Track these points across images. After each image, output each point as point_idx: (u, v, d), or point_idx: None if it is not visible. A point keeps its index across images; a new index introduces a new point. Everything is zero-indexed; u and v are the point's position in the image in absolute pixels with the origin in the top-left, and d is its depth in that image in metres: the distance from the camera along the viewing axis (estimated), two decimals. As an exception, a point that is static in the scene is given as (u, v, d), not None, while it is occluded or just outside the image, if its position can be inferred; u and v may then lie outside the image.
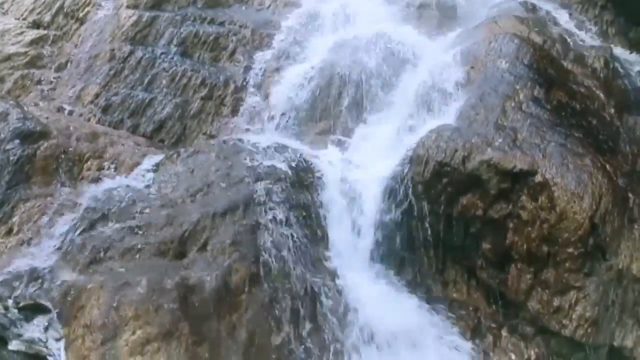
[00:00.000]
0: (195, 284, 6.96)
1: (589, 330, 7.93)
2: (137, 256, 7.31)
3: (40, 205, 8.45)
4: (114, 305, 6.75)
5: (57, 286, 7.17)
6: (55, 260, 7.52)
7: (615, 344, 8.11)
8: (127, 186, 8.34)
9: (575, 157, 8.31)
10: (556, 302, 7.97)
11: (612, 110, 9.28)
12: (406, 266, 8.28)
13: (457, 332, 7.63)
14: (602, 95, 9.33)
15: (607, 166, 8.51)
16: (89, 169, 8.96)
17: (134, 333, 6.59)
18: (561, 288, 7.98)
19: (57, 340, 6.84)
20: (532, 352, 7.85)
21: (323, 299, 7.27)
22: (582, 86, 9.39)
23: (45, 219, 8.19)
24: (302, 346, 6.91)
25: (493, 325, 7.96)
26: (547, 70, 9.38)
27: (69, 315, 6.81)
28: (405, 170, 8.43)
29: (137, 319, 6.65)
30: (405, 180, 8.39)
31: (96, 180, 8.75)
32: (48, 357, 6.62)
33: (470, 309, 8.06)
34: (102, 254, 7.41)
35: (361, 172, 8.58)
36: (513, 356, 7.75)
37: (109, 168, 8.92)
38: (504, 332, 7.95)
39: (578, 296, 7.98)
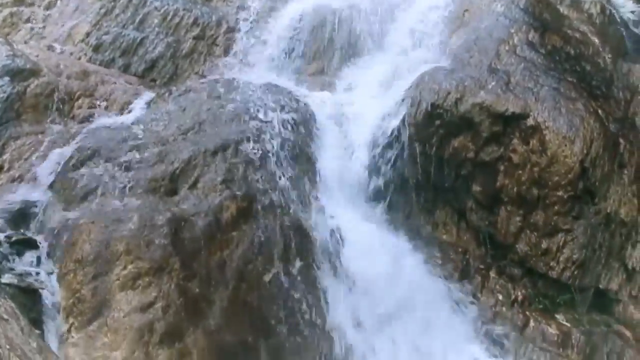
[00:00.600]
0: (186, 221, 6.98)
1: (575, 272, 8.04)
2: (128, 193, 7.30)
3: (31, 143, 8.41)
4: (105, 240, 6.77)
5: (48, 222, 7.17)
6: (46, 197, 7.50)
7: (601, 286, 8.23)
8: (119, 124, 8.29)
9: (567, 101, 8.30)
10: (544, 244, 8.05)
11: (607, 56, 9.22)
12: (396, 207, 8.32)
13: (445, 273, 7.68)
14: (597, 41, 9.26)
15: (600, 111, 8.52)
16: (79, 107, 8.90)
17: (125, 268, 6.63)
18: (550, 231, 8.06)
19: (49, 274, 6.88)
20: (519, 293, 7.95)
21: (313, 237, 7.31)
22: (577, 31, 9.32)
23: (36, 156, 8.14)
24: (292, 283, 6.97)
25: (481, 266, 8.05)
26: (543, 15, 9.30)
27: (60, 250, 6.83)
28: (398, 112, 8.42)
29: (129, 254, 6.68)
30: (398, 122, 8.39)
31: (87, 118, 8.69)
32: (40, 290, 6.65)
33: (459, 250, 8.14)
34: (93, 191, 7.39)
35: (353, 113, 8.56)
36: (500, 297, 7.85)
37: (99, 106, 8.86)
38: (492, 274, 8.04)
39: (566, 239, 8.06)
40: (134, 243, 6.74)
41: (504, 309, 7.76)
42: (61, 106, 8.85)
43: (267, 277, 6.90)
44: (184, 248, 6.80)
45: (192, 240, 6.88)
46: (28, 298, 6.58)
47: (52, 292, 6.70)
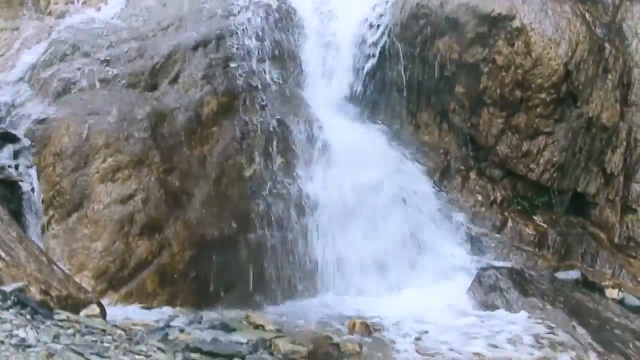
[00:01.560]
0: (166, 115, 6.93)
1: (554, 174, 8.10)
2: (107, 87, 7.20)
3: (7, 39, 8.25)
4: (84, 133, 6.71)
5: (27, 116, 7.07)
6: (24, 92, 7.38)
7: (579, 189, 8.31)
8: (97, 19, 8.10)
9: (554, 3, 8.19)
10: (525, 146, 8.08)
11: (596, -40, 9.06)
12: (379, 108, 8.28)
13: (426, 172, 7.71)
14: (586, -56, 9.09)
15: (587, 15, 8.42)
16: (56, 3, 8.69)
17: (104, 161, 6.60)
18: (531, 133, 8.07)
19: (28, 167, 6.83)
20: (499, 194, 8.02)
21: (295, 134, 7.28)
22: None
23: (12, 52, 7.97)
24: (273, 179, 6.97)
25: (462, 167, 8.09)
26: None
27: (39, 143, 6.76)
28: (383, 12, 8.28)
29: (108, 147, 6.64)
30: (382, 22, 8.26)
31: (64, 14, 8.48)
32: (19, 182, 6.61)
33: (441, 151, 8.15)
34: (71, 86, 7.28)
35: (337, 10, 8.39)
36: (480, 197, 7.91)
37: (77, 2, 8.64)
38: (472, 175, 8.08)
39: (547, 141, 8.09)
40: (114, 136, 6.70)
41: (483, 209, 7.84)
42: (37, 1, 8.63)
43: (247, 173, 6.89)
44: (164, 142, 6.76)
45: (172, 135, 6.84)
46: (7, 190, 6.55)
47: (32, 185, 6.66)
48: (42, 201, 6.50)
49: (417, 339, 5.73)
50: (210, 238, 6.47)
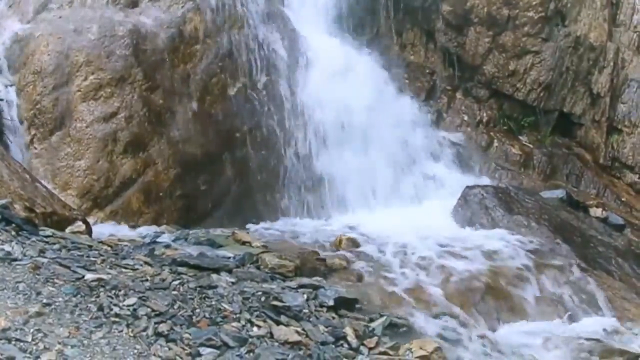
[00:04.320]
0: (149, 32, 6.76)
1: (541, 94, 8.07)
2: (87, 4, 7.00)
3: (-19, -45, 7.95)
4: (64, 51, 6.55)
5: (4, 35, 6.89)
6: (0, 10, 7.17)
7: (565, 109, 8.30)
8: None
9: None
10: (512, 66, 8.02)
11: None
12: (365, 28, 8.14)
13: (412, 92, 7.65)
14: None
15: None
16: None
17: (86, 79, 6.47)
18: (518, 52, 8.00)
19: (8, 86, 6.69)
20: (485, 114, 7.99)
21: (279, 52, 7.16)
22: None
23: (-14, -32, 7.70)
24: (258, 97, 6.89)
25: (448, 87, 8.03)
26: None
27: (18, 61, 6.61)
28: None
29: (89, 64, 6.50)
30: None
31: None
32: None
33: (427, 71, 8.08)
34: (49, 3, 7.07)
35: None
36: (466, 117, 7.89)
37: None
38: (458, 95, 8.04)
39: (534, 61, 8.02)
40: (95, 54, 6.55)
41: (469, 129, 7.83)
42: None
43: (231, 91, 6.79)
44: (146, 59, 6.62)
45: (155, 52, 6.70)
46: (-13, 108, 6.44)
47: (12, 104, 6.54)
48: (24, 120, 6.38)
49: (403, 253, 5.76)
50: (195, 156, 6.42)
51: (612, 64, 8.42)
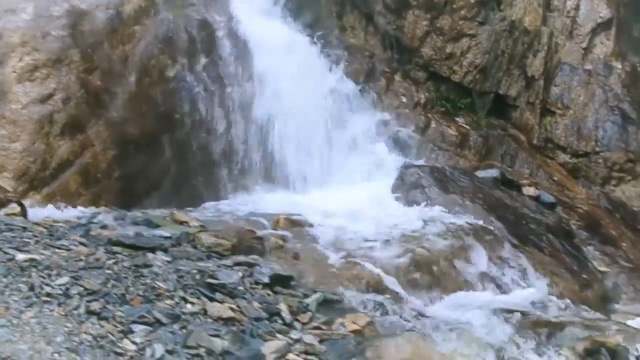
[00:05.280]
0: (86, 13, 6.69)
1: (477, 77, 8.25)
2: (21, -17, 6.89)
3: None
4: (-1, 32, 6.44)
5: None
6: None
7: (500, 92, 8.50)
8: None
9: None
10: (449, 48, 8.17)
11: None
12: (305, 10, 8.17)
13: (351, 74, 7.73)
14: None
15: None
16: None
17: (21, 60, 6.37)
18: (455, 35, 8.16)
19: (-60, 67, 6.56)
20: (423, 96, 8.14)
21: (219, 34, 7.17)
22: None
23: None
24: (197, 78, 6.89)
25: (387, 70, 8.14)
26: None
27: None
28: None
29: (24, 45, 6.40)
30: None
31: None
32: None
33: (366, 54, 8.18)
34: (-18, -18, 6.94)
35: None
36: (404, 99, 8.01)
37: None
38: (397, 77, 8.16)
39: (470, 44, 8.19)
40: (30, 34, 6.45)
41: (406, 110, 7.95)
42: None
43: (170, 72, 6.78)
44: (84, 40, 6.56)
45: (93, 33, 6.63)
46: None
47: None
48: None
49: (340, 232, 5.87)
50: (133, 138, 6.39)
51: (546, 48, 8.65)
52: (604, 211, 7.94)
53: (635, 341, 5.34)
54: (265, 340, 4.08)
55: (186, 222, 5.54)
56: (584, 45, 8.88)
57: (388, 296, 5.00)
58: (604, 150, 8.39)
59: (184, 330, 3.93)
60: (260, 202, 6.49)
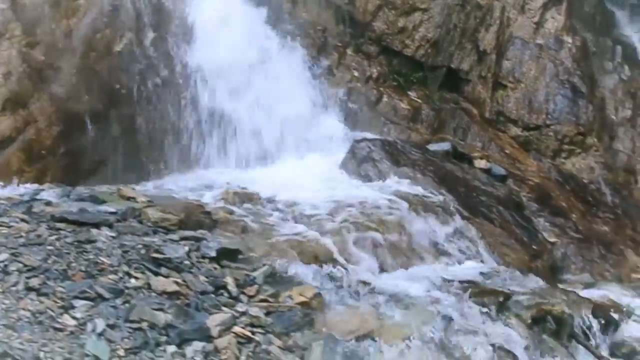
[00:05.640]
0: (27, -14, 6.52)
1: (429, 51, 8.24)
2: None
3: None
4: None
5: None
6: None
7: (453, 66, 8.51)
8: None
9: None
10: (401, 22, 8.15)
11: None
12: (255, -17, 8.07)
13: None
14: None
15: None
16: None
17: (-44, 35, 6.20)
18: (407, 9, 8.14)
19: None
20: (375, 70, 8.11)
21: (167, 8, 7.04)
22: None
23: None
24: (145, 54, 6.77)
25: (339, 44, 8.09)
26: None
27: None
28: None
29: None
30: None
31: None
32: None
33: (318, 28, 8.10)
34: None
35: None
36: (356, 73, 7.98)
37: None
38: (349, 51, 8.11)
39: (422, 18, 8.18)
40: (-33, 7, 6.27)
41: (359, 84, 7.92)
42: None
43: (117, 47, 6.64)
44: (25, 14, 6.39)
45: (35, 7, 6.47)
46: None
47: None
48: None
49: (289, 205, 5.84)
50: (79, 113, 6.27)
51: (498, 22, 8.68)
52: (554, 183, 8.03)
53: (581, 309, 5.44)
54: (211, 314, 4.05)
55: (133, 198, 5.46)
56: (535, 19, 8.92)
57: (336, 268, 4.98)
58: (555, 123, 8.46)
59: (127, 305, 3.88)
60: (209, 177, 6.41)
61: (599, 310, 5.60)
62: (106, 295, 3.90)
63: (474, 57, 8.57)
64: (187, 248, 4.68)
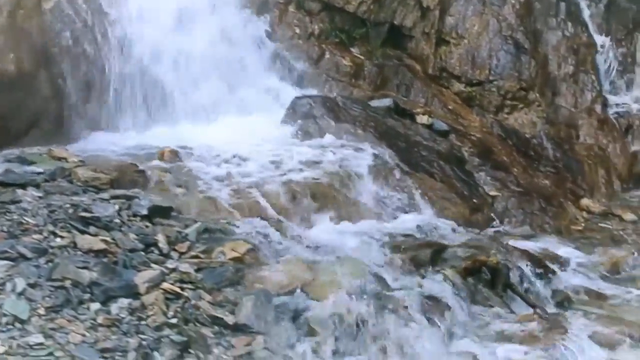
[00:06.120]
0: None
1: (371, 7, 8.15)
2: None
3: None
4: None
5: None
6: None
7: (396, 22, 8.43)
8: None
9: None
10: (342, -22, 8.04)
11: None
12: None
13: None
14: None
15: None
16: None
17: None
18: (349, -35, 8.04)
19: None
20: (316, 27, 8.00)
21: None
22: None
23: None
24: (77, 12, 6.54)
25: (280, 1, 7.93)
26: None
27: None
28: None
29: None
30: None
31: None
32: None
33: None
34: None
35: None
36: (298, 30, 7.86)
37: None
38: (290, 8, 7.96)
39: (363, -28, 8.08)
40: None
41: (300, 41, 7.80)
42: None
43: (47, 5, 6.40)
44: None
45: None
46: None
47: None
48: None
49: (227, 164, 5.77)
50: (7, 74, 6.04)
51: (441, -24, 8.61)
52: (496, 138, 8.06)
53: (517, 259, 5.51)
54: (139, 271, 4.00)
55: (64, 158, 5.34)
56: (479, -25, 8.88)
57: (273, 223, 4.96)
58: (498, 79, 8.46)
59: (50, 264, 3.80)
60: (145, 136, 6.28)
61: (535, 260, 5.69)
62: (29, 254, 3.83)
63: (417, 13, 8.50)
64: (117, 207, 4.62)
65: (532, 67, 8.70)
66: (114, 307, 3.63)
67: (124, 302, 3.68)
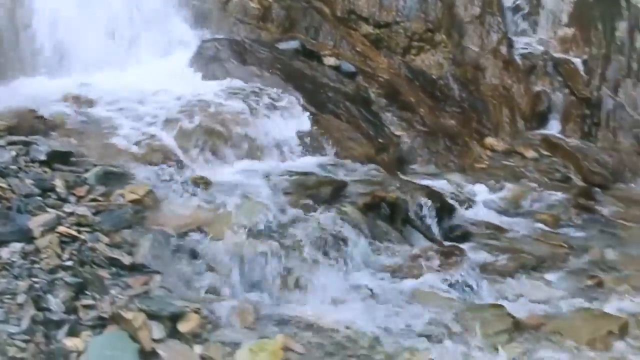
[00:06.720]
0: None
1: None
2: None
3: None
4: None
5: None
6: None
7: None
8: None
9: None
10: None
11: None
12: None
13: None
14: None
15: None
16: None
17: None
18: None
19: None
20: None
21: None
22: None
23: None
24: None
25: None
26: None
27: None
28: None
29: None
30: None
31: None
32: None
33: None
34: None
35: None
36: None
37: None
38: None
39: None
40: None
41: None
42: None
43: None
44: None
45: None
46: None
47: None
48: None
49: (130, 109, 5.75)
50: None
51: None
52: (404, 79, 8.21)
53: (416, 195, 5.72)
54: (35, 215, 4.00)
55: (-43, 107, 5.23)
56: None
57: (173, 165, 5.00)
58: (405, 20, 8.57)
59: None
60: (47, 85, 6.15)
61: (435, 196, 5.90)
62: None
63: None
64: (14, 152, 4.58)
65: (438, 9, 8.83)
66: (4, 252, 3.63)
67: (17, 246, 3.69)
